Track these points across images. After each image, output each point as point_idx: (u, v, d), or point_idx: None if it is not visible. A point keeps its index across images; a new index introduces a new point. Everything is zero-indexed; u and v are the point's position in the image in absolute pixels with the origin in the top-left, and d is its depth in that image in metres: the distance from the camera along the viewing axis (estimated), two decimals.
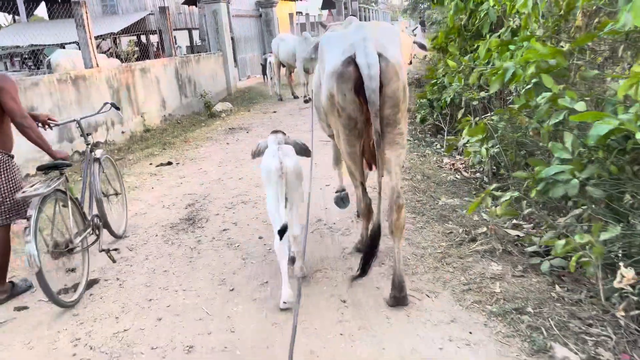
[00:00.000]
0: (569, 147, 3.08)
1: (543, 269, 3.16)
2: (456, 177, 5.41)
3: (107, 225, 4.11)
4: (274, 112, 10.51)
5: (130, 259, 3.93)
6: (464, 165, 5.95)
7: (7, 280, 3.47)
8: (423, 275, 3.28)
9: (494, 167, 4.90)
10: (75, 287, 3.43)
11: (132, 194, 5.52)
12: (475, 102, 5.78)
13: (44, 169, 3.41)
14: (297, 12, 25.64)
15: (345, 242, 3.90)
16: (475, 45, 5.92)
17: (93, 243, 3.66)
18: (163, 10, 10.98)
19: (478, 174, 5.51)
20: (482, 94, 5.71)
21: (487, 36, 5.72)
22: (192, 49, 23.82)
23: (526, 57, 3.75)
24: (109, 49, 20.68)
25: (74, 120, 4.07)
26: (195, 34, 27.70)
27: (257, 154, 3.35)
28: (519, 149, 4.49)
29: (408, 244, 3.72)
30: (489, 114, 5.95)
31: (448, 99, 6.51)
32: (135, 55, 10.51)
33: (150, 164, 6.68)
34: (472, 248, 3.58)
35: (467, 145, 5.48)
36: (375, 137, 2.79)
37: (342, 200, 4.33)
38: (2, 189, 3.33)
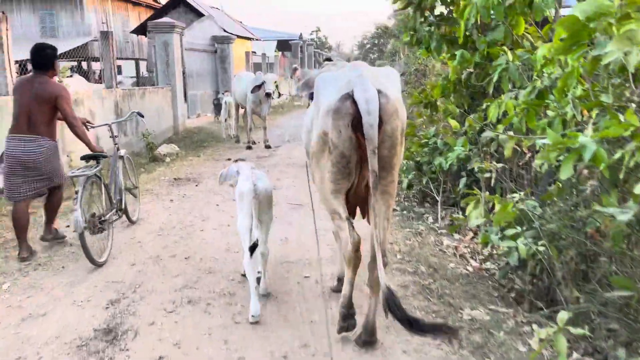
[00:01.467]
0: None
1: None
2: (467, 269, 4.26)
3: (125, 210, 5.07)
4: (228, 159, 9.13)
5: None
6: (468, 250, 4.83)
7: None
8: None
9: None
10: (102, 252, 4.28)
11: (30, 277, 3.96)
12: (488, 174, 4.72)
13: (86, 158, 4.46)
14: (252, 52, 24.75)
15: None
16: (484, 105, 4.92)
17: (115, 220, 4.73)
18: (105, 35, 9.53)
19: (491, 265, 4.39)
20: (498, 165, 4.66)
21: (501, 95, 4.74)
22: (137, 81, 22.15)
23: (609, 133, 2.69)
24: None
25: (107, 124, 5.30)
26: (143, 65, 26.13)
27: (225, 178, 3.67)
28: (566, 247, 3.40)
29: None
30: (505, 192, 4.93)
31: (445, 165, 5.45)
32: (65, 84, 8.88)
33: (67, 226, 5.11)
34: None
35: (483, 230, 4.37)
36: (372, 178, 2.67)
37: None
38: (56, 168, 4.47)
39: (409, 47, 6.63)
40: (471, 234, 5.39)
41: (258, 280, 3.47)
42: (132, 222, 5.25)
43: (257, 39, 28.99)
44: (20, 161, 4.28)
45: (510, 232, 3.56)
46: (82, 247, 4.00)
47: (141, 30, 23.78)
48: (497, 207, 4.14)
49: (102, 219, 4.34)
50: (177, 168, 8.30)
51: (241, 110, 11.30)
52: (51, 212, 4.68)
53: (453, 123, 5.27)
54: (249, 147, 10.27)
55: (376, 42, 73.36)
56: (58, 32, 23.09)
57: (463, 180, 5.37)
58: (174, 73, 12.20)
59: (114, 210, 4.68)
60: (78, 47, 18.70)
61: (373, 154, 2.64)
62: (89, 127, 4.92)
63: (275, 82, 9.79)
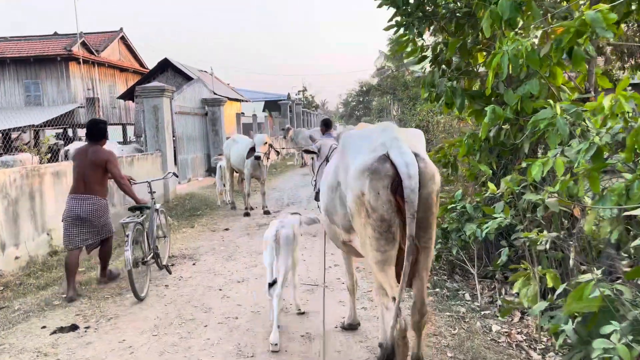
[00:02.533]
0: None
1: None
2: None
3: (157, 256, 5.62)
4: (226, 229, 8.37)
5: None
6: (523, 337, 4.07)
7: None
8: None
9: None
10: (142, 288, 5.04)
11: None
12: (542, 247, 4.03)
13: (133, 209, 5.51)
14: (241, 113, 24.54)
15: None
16: (523, 164, 4.32)
17: (152, 263, 5.48)
18: (92, 102, 8.96)
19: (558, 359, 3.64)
20: (550, 234, 3.98)
21: (548, 153, 4.15)
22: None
23: None
24: (28, 142, 18.13)
25: (147, 181, 6.06)
26: (130, 129, 25.68)
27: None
28: None
29: None
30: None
31: (481, 234, 4.78)
32: (48, 155, 8.18)
33: (44, 327, 4.26)
34: None
35: (548, 317, 3.64)
36: (409, 242, 2.63)
37: None
38: (105, 222, 5.37)
39: (429, 103, 6.09)
40: (519, 314, 4.65)
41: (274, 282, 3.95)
42: (159, 267, 5.73)
43: (246, 101, 28.93)
44: (76, 216, 5.17)
45: (607, 328, 2.83)
46: (129, 282, 4.81)
47: (128, 95, 23.50)
48: (559, 287, 3.50)
49: (144, 260, 5.26)
50: (170, 242, 7.49)
51: (236, 174, 10.65)
52: (104, 260, 5.53)
53: (492, 187, 4.64)
54: (247, 214, 9.54)
55: (361, 99, 74.67)
56: (43, 100, 22.67)
57: (505, 252, 4.67)
58: (164, 138, 11.61)
59: (152, 254, 5.47)
60: (64, 114, 18.19)
61: (412, 218, 2.59)
62: (132, 183, 5.79)
63: (266, 142, 9.19)
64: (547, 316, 3.71)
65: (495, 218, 4.64)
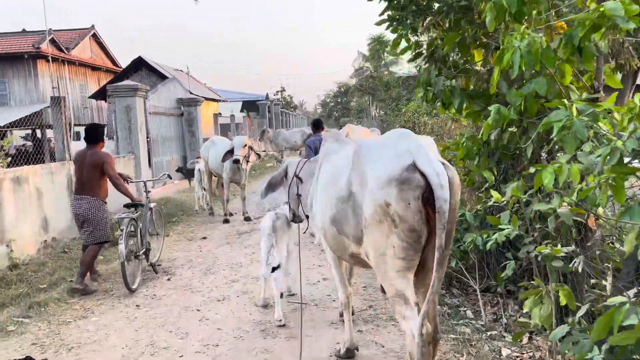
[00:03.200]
0: None
1: None
2: None
3: (148, 251, 6.01)
4: (204, 237, 7.85)
5: None
6: None
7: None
8: None
9: None
10: (134, 281, 5.40)
11: None
12: (558, 263, 3.65)
13: (128, 206, 5.86)
14: (219, 113, 23.91)
15: None
16: (532, 170, 3.95)
17: (144, 258, 5.85)
18: (57, 101, 8.32)
19: None
20: (567, 249, 3.60)
21: (559, 158, 3.78)
22: None
23: None
24: None
25: (142, 181, 6.86)
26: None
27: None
28: None
29: None
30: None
31: (485, 245, 4.39)
32: (8, 159, 7.51)
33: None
34: None
35: (570, 345, 3.26)
36: (438, 254, 2.59)
37: None
38: (99, 222, 5.54)
39: (426, 103, 5.68)
40: (527, 334, 4.27)
41: (277, 267, 4.39)
42: (150, 264, 5.99)
43: (223, 101, 28.27)
44: (77, 215, 5.56)
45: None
46: (122, 273, 5.18)
47: (100, 94, 22.63)
48: (575, 307, 3.15)
49: (137, 254, 5.63)
50: (164, 241, 6.92)
51: (215, 178, 10.12)
52: (85, 266, 5.49)
53: (496, 195, 4.25)
54: (226, 221, 9.01)
55: (339, 100, 74.47)
56: (10, 100, 21.66)
57: (510, 265, 4.29)
58: (137, 140, 10.99)
59: (144, 250, 5.85)
60: (32, 114, 17.31)
61: (443, 229, 2.56)
62: (129, 181, 6.20)
63: (246, 145, 8.68)
64: (569, 341, 3.33)
65: (500, 229, 4.25)
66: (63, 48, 23.20)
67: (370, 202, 2.78)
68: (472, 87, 5.37)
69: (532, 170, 3.92)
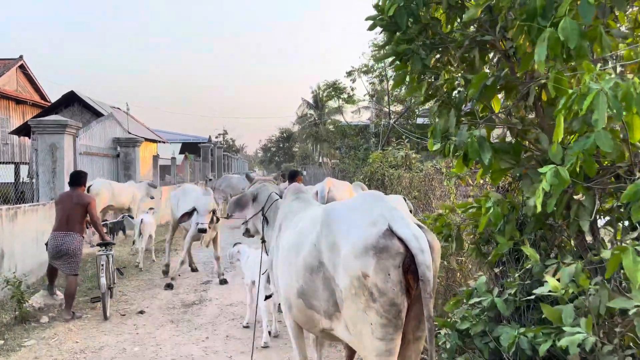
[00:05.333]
0: None
1: None
2: None
3: (112, 288, 6.70)
4: (141, 312, 6.30)
5: None
6: None
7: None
8: None
9: None
10: (107, 310, 6.10)
11: None
12: None
13: (102, 244, 6.44)
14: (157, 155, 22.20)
15: None
16: (606, 255, 2.99)
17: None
18: None
19: None
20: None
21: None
22: (15, 190, 18.29)
23: None
24: None
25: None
26: (25, 169, 22.26)
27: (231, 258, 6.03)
28: None
29: None
30: None
31: (529, 350, 3.32)
32: None
33: None
34: None
35: None
36: (429, 325, 2.48)
37: None
38: (78, 256, 6.19)
39: (442, 157, 4.63)
40: None
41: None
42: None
43: (163, 142, 26.57)
44: (58, 250, 6.11)
45: None
46: (102, 303, 6.08)
47: (24, 130, 20.34)
48: None
49: (111, 286, 6.51)
50: (60, 339, 5.28)
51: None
52: (70, 297, 6.12)
53: (552, 282, 3.20)
54: (169, 286, 7.49)
55: (281, 145, 73.94)
56: None
57: None
58: (62, 184, 9.27)
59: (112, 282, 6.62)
60: None
61: (429, 297, 2.45)
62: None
63: (212, 210, 7.38)
64: None
65: (560, 329, 3.20)
66: None
67: (345, 274, 2.58)
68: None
69: (606, 254, 2.99)
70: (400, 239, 2.49)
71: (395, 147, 11.00)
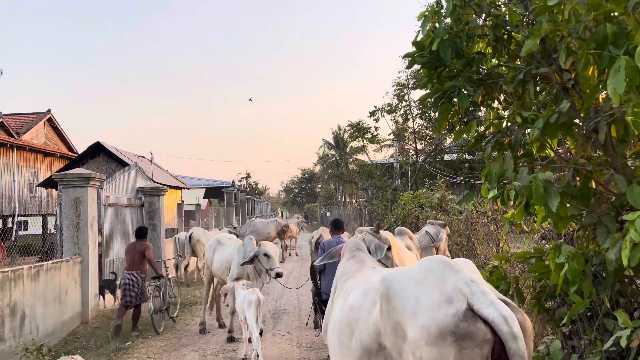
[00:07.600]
0: None
1: None
2: None
3: (168, 308, 8.75)
4: None
5: None
6: None
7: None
8: None
9: None
10: (159, 326, 8.14)
11: None
12: None
13: (154, 277, 8.73)
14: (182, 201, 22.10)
15: None
16: None
17: (166, 312, 8.67)
18: None
19: None
20: None
21: None
22: (43, 242, 18.22)
23: None
24: None
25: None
26: (52, 220, 22.38)
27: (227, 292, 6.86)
28: None
29: None
30: None
31: None
32: None
33: None
34: None
35: None
36: None
37: None
38: (143, 288, 8.22)
39: (500, 204, 4.15)
40: None
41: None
42: (170, 318, 8.71)
43: (187, 188, 26.51)
44: (128, 283, 8.16)
45: None
46: (152, 321, 7.91)
47: (52, 182, 20.52)
48: None
49: (161, 309, 8.44)
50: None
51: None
52: (136, 318, 8.19)
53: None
54: (231, 339, 7.26)
55: (303, 186, 73.81)
56: None
57: None
58: (86, 239, 9.05)
59: (166, 306, 8.62)
60: None
61: None
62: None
63: (265, 254, 6.97)
64: None
65: None
66: (13, 133, 21.34)
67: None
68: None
69: None
70: (485, 321, 2.04)
71: (429, 188, 10.58)
